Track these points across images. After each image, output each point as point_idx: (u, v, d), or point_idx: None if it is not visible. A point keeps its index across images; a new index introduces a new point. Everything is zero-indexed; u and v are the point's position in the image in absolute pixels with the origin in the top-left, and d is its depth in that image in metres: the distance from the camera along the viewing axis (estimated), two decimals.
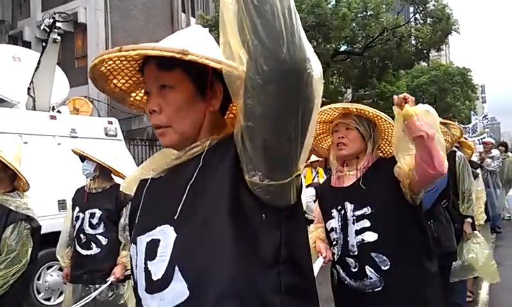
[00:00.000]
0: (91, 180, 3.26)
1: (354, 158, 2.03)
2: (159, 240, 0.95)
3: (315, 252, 2.13)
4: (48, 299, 4.90)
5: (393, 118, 2.85)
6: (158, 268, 0.93)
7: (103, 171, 3.23)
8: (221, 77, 0.96)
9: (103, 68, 1.01)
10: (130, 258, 1.05)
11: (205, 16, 16.77)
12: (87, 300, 3.02)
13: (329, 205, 2.06)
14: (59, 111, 6.02)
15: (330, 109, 2.07)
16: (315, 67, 0.81)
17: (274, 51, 0.74)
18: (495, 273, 3.97)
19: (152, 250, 0.96)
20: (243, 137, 0.87)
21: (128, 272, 3.04)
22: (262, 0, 0.72)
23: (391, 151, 2.10)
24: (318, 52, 14.01)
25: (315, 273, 2.00)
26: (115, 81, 1.08)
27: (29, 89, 5.60)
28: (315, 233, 2.22)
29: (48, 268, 4.87)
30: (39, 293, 4.82)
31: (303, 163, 0.92)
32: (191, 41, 0.96)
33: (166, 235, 0.94)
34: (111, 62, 1.00)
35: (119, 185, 3.24)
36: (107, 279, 3.06)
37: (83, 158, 3.24)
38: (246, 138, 0.86)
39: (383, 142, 2.12)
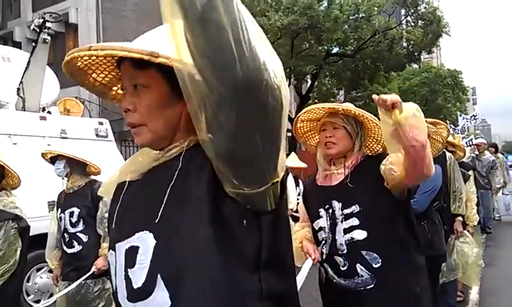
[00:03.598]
0: (67, 180, 3.33)
1: (342, 157, 2.02)
2: (137, 247, 0.92)
3: (302, 253, 2.10)
4: (38, 301, 4.84)
5: None
6: (138, 277, 0.91)
7: (74, 168, 3.29)
8: None
9: (79, 64, 0.99)
10: (109, 264, 1.03)
11: None
12: (64, 293, 3.09)
13: (316, 204, 2.05)
14: (49, 112, 5.97)
15: (317, 108, 2.07)
16: (275, 68, 0.76)
17: (227, 70, 0.70)
18: (477, 276, 4.04)
19: (131, 257, 0.93)
20: (208, 148, 0.85)
21: None
22: (204, 18, 0.67)
23: (378, 148, 2.12)
24: (310, 54, 14.04)
25: (304, 275, 1.99)
26: (94, 75, 1.05)
27: (18, 89, 5.55)
28: (301, 232, 2.20)
29: (37, 270, 4.82)
30: (28, 295, 4.77)
31: (283, 169, 0.90)
32: (166, 38, 0.89)
33: (144, 241, 0.91)
34: (86, 58, 0.97)
35: (94, 180, 3.32)
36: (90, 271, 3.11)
37: (54, 160, 3.31)
38: (211, 149, 0.84)
39: (370, 140, 2.12)
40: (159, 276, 0.88)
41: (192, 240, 0.86)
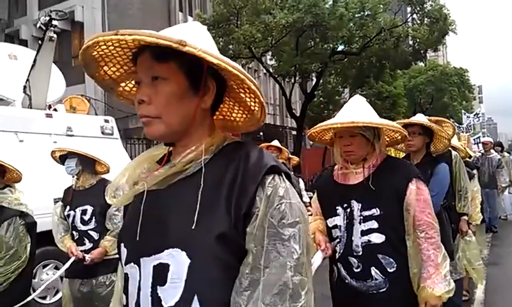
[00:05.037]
0: (77, 178, 3.33)
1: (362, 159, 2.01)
2: (168, 265, 0.91)
3: (314, 244, 2.09)
4: (44, 298, 4.88)
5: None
6: (170, 295, 0.90)
7: (85, 166, 3.28)
8: (215, 75, 0.97)
9: (95, 53, 0.97)
10: (127, 278, 1.00)
11: (202, 16, 16.73)
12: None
13: (333, 201, 2.02)
14: (55, 109, 6.00)
15: (332, 125, 2.03)
16: None
17: None
18: (480, 276, 4.05)
19: (161, 275, 0.91)
20: None
21: (109, 256, 3.10)
22: None
23: (396, 136, 2.19)
24: (316, 52, 13.99)
25: (315, 267, 1.98)
26: (106, 68, 1.04)
27: (25, 87, 5.58)
28: (313, 224, 2.17)
29: (43, 266, 4.85)
30: (34, 291, 4.80)
31: None
32: (189, 34, 0.93)
33: (176, 260, 0.90)
34: (104, 47, 0.96)
35: (105, 179, 3.32)
36: (86, 258, 3.11)
37: (64, 159, 3.30)
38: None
39: (387, 132, 2.15)
40: (195, 297, 0.88)
41: (228, 263, 0.89)
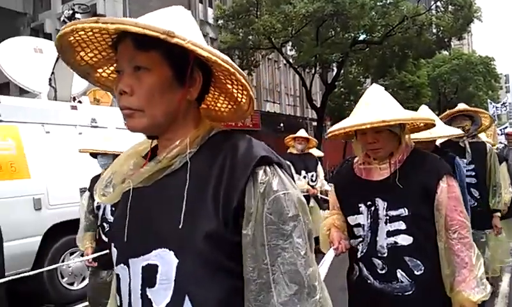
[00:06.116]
0: (105, 168, 3.28)
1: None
2: (156, 266, 0.87)
3: (328, 241, 1.99)
4: (72, 284, 5.03)
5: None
6: (160, 296, 0.86)
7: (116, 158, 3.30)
8: (202, 65, 0.91)
9: (71, 38, 0.90)
10: (118, 278, 0.97)
11: (222, 7, 16.74)
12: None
13: (355, 198, 1.89)
14: (79, 101, 6.13)
15: (359, 126, 1.79)
16: None
17: None
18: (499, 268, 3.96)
19: (149, 276, 0.88)
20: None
21: None
22: None
23: (419, 125, 2.02)
24: (336, 42, 13.86)
25: (327, 266, 1.84)
26: (82, 54, 0.96)
27: (50, 80, 5.71)
28: (329, 219, 2.05)
29: (71, 254, 5.01)
30: (63, 277, 4.97)
31: None
32: (176, 22, 0.87)
33: (164, 260, 0.86)
34: (82, 32, 0.89)
35: None
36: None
37: (94, 154, 3.30)
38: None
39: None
40: (187, 297, 0.85)
41: (217, 260, 0.85)
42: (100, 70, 1.03)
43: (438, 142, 3.13)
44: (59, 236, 4.81)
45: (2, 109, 4.57)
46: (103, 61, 1.00)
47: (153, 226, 0.90)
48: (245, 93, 0.95)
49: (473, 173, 3.47)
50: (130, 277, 0.92)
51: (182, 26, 0.87)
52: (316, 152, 6.84)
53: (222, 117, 1.06)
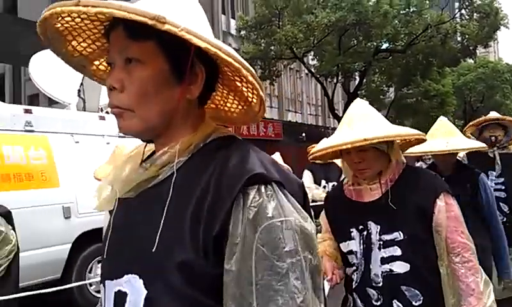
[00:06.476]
0: None
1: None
2: (126, 294, 0.75)
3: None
4: (99, 291, 5.12)
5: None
6: None
7: None
8: (205, 58, 0.78)
9: (59, 25, 0.80)
10: (100, 300, 0.86)
11: (245, 17, 16.90)
12: None
13: (346, 222, 1.74)
14: (107, 112, 6.27)
15: (340, 146, 1.65)
16: None
17: None
18: None
19: (120, 304, 0.76)
20: None
21: None
22: None
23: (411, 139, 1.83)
24: (359, 51, 13.83)
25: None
26: (74, 43, 0.85)
27: (79, 91, 5.87)
28: (321, 246, 1.85)
29: (98, 262, 5.09)
30: (91, 285, 5.05)
31: None
32: (172, 8, 0.76)
33: (134, 288, 0.74)
34: (69, 19, 0.79)
35: None
36: None
37: None
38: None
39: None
40: None
41: (182, 295, 0.71)
42: (96, 63, 0.92)
43: (463, 153, 3.01)
44: (88, 244, 4.90)
45: (34, 120, 4.72)
46: (98, 52, 0.89)
47: (129, 245, 0.78)
48: (255, 92, 0.81)
49: (503, 187, 3.23)
50: (105, 300, 0.81)
51: (180, 13, 0.76)
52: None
53: (232, 118, 0.92)
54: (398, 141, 1.75)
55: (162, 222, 0.72)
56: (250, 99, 0.85)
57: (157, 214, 0.73)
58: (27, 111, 4.82)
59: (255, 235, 0.68)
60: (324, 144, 1.73)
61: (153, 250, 0.71)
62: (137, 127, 0.79)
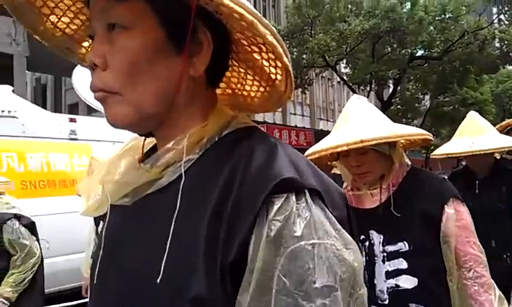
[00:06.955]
0: None
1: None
2: None
3: None
4: None
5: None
6: None
7: None
8: (212, 22, 0.59)
9: None
10: None
11: (277, 27, 17.02)
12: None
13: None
14: None
15: (335, 149, 1.48)
16: None
17: None
18: None
19: None
20: None
21: None
22: None
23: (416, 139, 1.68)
24: (393, 58, 13.71)
25: None
26: (53, 18, 0.68)
27: None
28: None
29: None
30: None
31: None
32: None
33: None
34: None
35: None
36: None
37: None
38: None
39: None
40: None
41: None
42: (85, 44, 0.73)
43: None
44: None
45: (78, 128, 4.95)
46: (84, 28, 0.71)
47: (125, 270, 0.60)
48: (278, 63, 0.60)
49: None
50: None
51: None
52: None
53: (253, 105, 0.71)
54: (402, 141, 1.61)
55: (168, 243, 0.54)
56: (274, 76, 0.64)
57: (162, 231, 0.56)
58: (72, 120, 5.08)
59: (276, 259, 0.50)
60: (318, 146, 1.54)
61: (158, 280, 0.53)
62: (127, 116, 0.60)
